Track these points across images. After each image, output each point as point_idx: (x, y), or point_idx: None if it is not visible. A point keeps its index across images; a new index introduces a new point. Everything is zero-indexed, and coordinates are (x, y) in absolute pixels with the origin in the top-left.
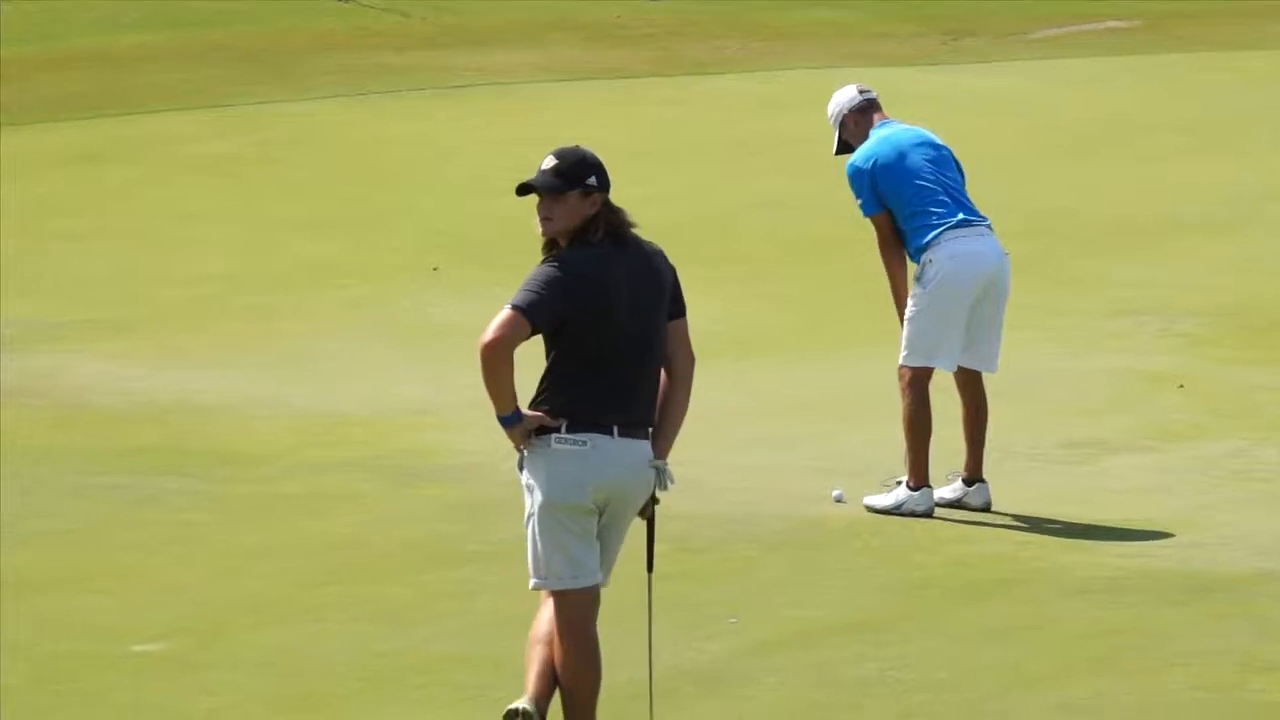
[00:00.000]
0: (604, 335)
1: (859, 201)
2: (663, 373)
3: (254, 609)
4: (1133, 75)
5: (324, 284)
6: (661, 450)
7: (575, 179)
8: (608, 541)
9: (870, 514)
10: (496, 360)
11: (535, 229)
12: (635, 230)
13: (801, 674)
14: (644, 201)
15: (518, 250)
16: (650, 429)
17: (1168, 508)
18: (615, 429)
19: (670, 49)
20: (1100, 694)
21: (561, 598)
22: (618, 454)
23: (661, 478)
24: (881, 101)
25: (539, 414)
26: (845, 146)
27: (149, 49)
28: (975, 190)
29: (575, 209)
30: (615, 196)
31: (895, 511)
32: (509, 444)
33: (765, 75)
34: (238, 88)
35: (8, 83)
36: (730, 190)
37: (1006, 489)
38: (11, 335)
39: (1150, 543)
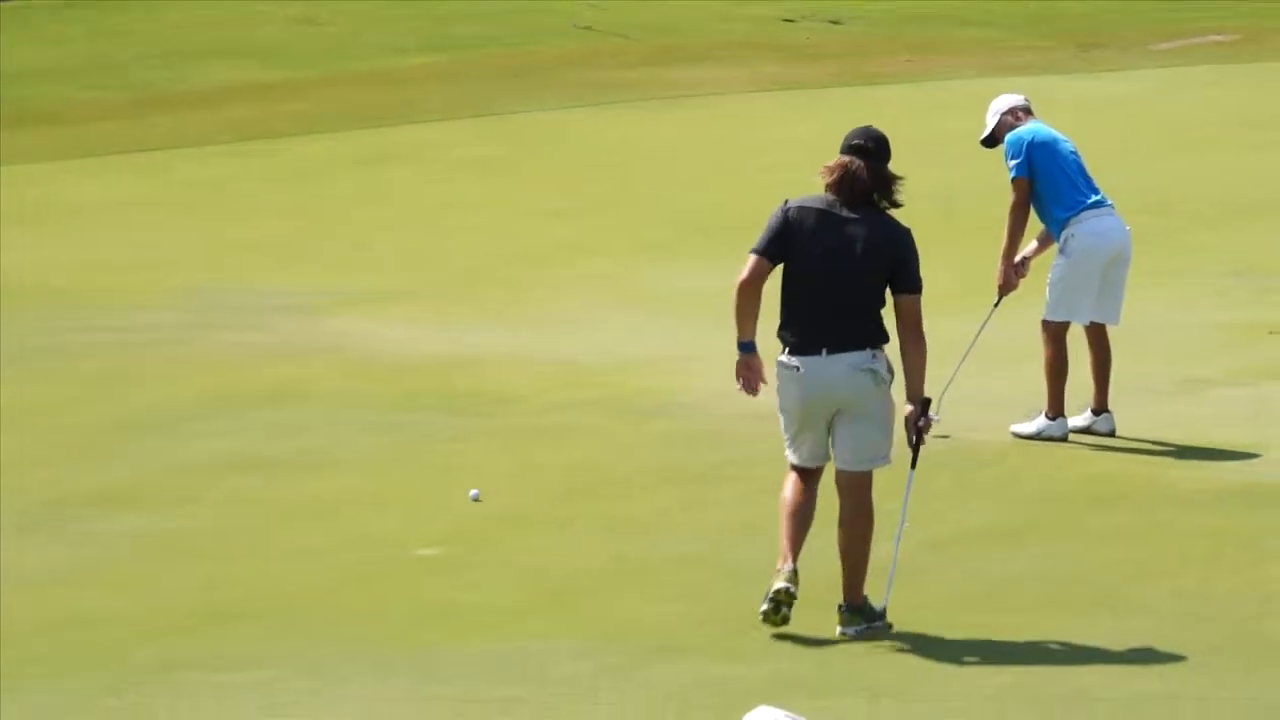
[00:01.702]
0: (809, 270)
1: (1013, 163)
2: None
3: (513, 521)
4: (1234, 80)
5: (569, 259)
6: (912, 391)
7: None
8: (844, 432)
9: (1016, 439)
10: (739, 295)
11: None
12: (883, 205)
13: (961, 569)
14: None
15: (727, 229)
16: (865, 344)
17: (1263, 432)
18: (824, 350)
19: (851, 64)
20: (1205, 584)
21: (790, 470)
22: (825, 370)
23: (874, 370)
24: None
25: (760, 364)
26: (993, 140)
27: (425, 69)
28: (1104, 176)
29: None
30: (807, 186)
31: (1037, 437)
32: (719, 390)
33: (930, 84)
34: (497, 100)
35: (310, 98)
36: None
37: (1127, 418)
38: (321, 302)
39: (1247, 461)
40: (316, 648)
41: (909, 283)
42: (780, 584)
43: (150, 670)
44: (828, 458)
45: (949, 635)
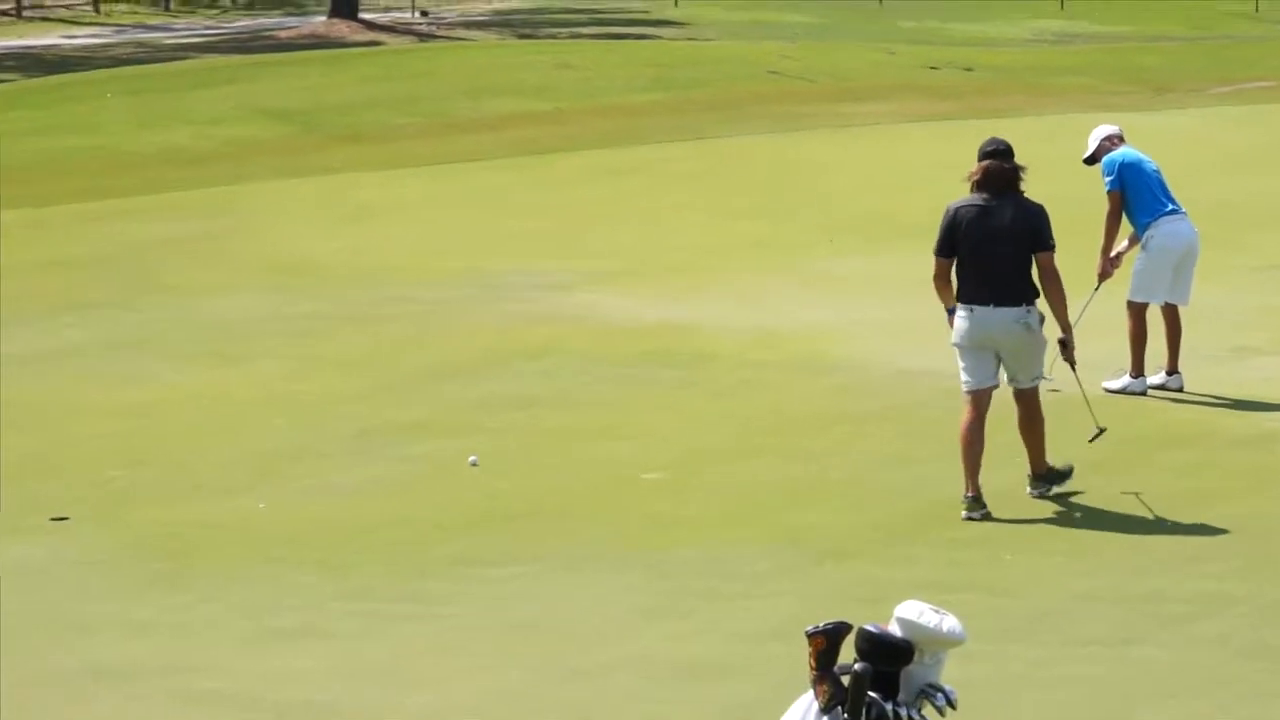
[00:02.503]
0: (974, 249)
1: (1107, 179)
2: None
3: (716, 451)
4: (1275, 116)
5: (759, 250)
6: (1059, 323)
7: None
8: (1012, 365)
9: (1106, 393)
10: (936, 286)
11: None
12: (1019, 191)
13: (1057, 494)
14: (958, 192)
15: (884, 227)
16: (1021, 302)
17: None
18: (991, 303)
19: (979, 102)
20: (1251, 508)
21: (967, 393)
22: (989, 317)
23: (1028, 323)
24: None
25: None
26: (1092, 159)
27: (652, 104)
28: (1173, 189)
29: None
30: (945, 194)
31: (1122, 391)
32: (878, 352)
33: (1038, 118)
34: (706, 127)
35: (566, 124)
36: None
37: (1191, 378)
38: (572, 280)
39: None
40: (569, 548)
41: (1043, 244)
42: (965, 515)
43: (445, 562)
44: (993, 382)
45: (1050, 546)
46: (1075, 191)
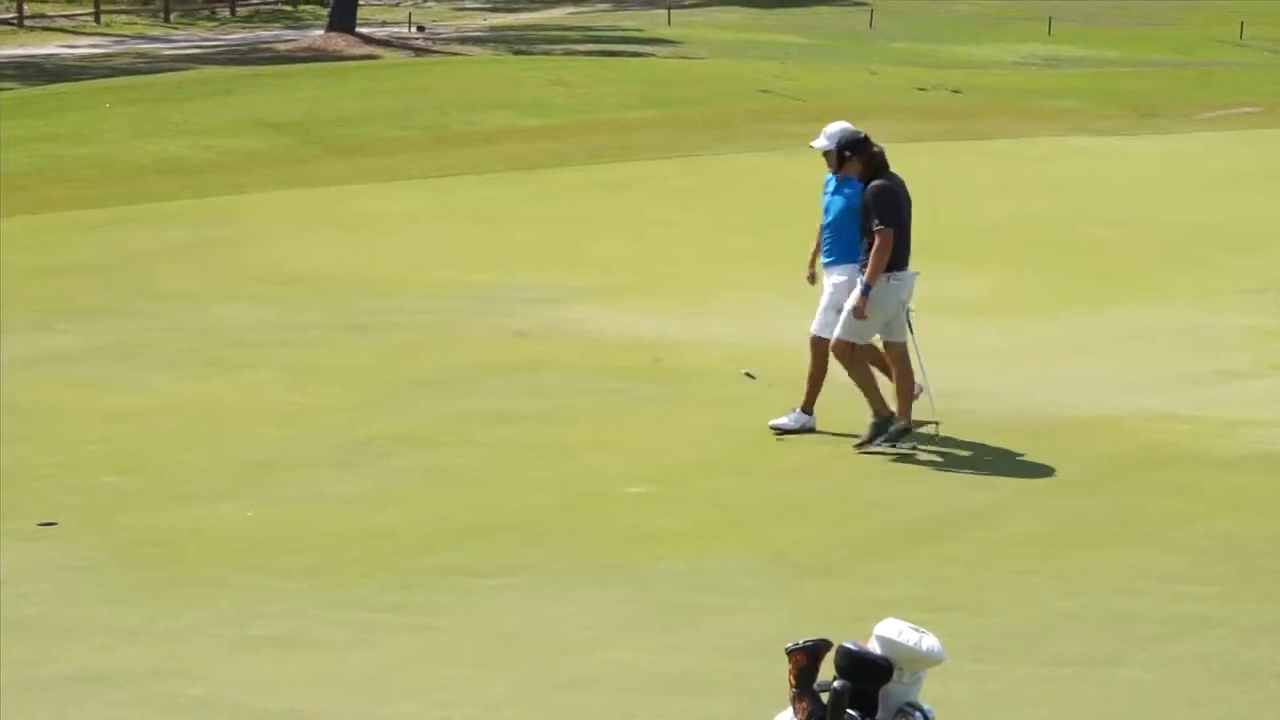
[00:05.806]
0: (904, 221)
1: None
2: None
3: (701, 465)
4: (1259, 141)
5: (748, 265)
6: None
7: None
8: (903, 319)
9: (1105, 415)
10: (882, 260)
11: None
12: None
13: (1048, 513)
14: (946, 212)
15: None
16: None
17: (1278, 412)
18: (906, 267)
19: (967, 123)
20: (1232, 528)
21: (859, 347)
22: (907, 280)
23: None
24: (1094, 160)
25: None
26: (843, 161)
27: (645, 120)
28: (1159, 212)
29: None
30: (932, 219)
31: (796, 430)
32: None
33: (1028, 140)
34: (699, 145)
35: (559, 140)
36: (1002, 208)
37: (1174, 399)
38: (561, 295)
39: (1267, 433)
40: (554, 560)
41: None
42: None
43: (433, 573)
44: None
45: (1030, 565)
46: (1062, 211)
